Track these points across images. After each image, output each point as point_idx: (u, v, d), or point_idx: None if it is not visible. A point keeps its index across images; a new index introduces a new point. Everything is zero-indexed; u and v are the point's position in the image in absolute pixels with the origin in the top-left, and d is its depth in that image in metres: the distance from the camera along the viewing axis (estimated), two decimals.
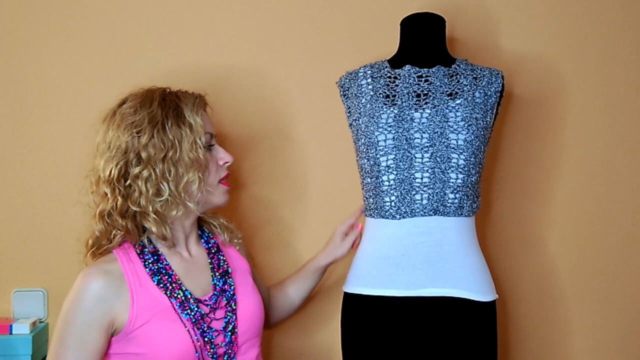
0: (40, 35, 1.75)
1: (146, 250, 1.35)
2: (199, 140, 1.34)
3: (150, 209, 1.31)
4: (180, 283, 1.34)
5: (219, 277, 1.40)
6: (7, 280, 1.74)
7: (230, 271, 1.43)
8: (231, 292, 1.40)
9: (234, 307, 1.38)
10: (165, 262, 1.35)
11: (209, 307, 1.35)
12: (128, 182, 1.31)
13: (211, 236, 1.48)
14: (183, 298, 1.32)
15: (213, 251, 1.45)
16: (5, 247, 1.75)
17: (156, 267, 1.33)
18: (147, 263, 1.33)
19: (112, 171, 1.30)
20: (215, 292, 1.38)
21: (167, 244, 1.36)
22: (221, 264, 1.43)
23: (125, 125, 1.31)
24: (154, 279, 1.31)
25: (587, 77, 1.82)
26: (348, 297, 1.52)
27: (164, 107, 1.33)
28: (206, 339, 1.31)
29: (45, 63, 1.75)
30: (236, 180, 1.75)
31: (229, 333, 1.35)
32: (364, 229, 1.57)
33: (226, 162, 1.42)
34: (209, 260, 1.43)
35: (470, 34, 1.80)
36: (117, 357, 1.29)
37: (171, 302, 1.30)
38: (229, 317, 1.37)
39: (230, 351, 1.35)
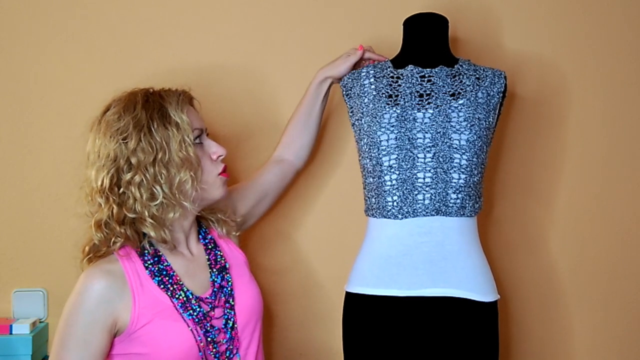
0: (40, 35, 1.74)
1: (146, 252, 1.33)
2: (187, 138, 1.32)
3: (147, 214, 1.30)
4: (182, 284, 1.33)
5: (216, 273, 1.40)
6: (7, 280, 1.74)
7: (227, 267, 1.43)
8: (229, 288, 1.39)
9: (232, 303, 1.38)
10: (166, 263, 1.34)
11: (210, 305, 1.35)
12: (121, 189, 1.29)
13: (207, 231, 1.47)
14: (185, 299, 1.31)
15: (210, 247, 1.44)
16: (5, 247, 1.74)
17: (156, 268, 1.32)
18: (147, 264, 1.32)
19: (104, 180, 1.28)
20: (215, 289, 1.37)
21: (169, 247, 1.35)
22: (218, 260, 1.43)
23: (111, 132, 1.29)
24: (154, 280, 1.31)
25: (589, 77, 1.83)
26: (350, 296, 1.51)
27: (147, 109, 1.31)
28: (209, 339, 1.31)
29: (45, 63, 1.75)
30: (236, 178, 1.75)
31: (229, 330, 1.35)
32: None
33: (220, 156, 1.39)
34: (207, 257, 1.42)
35: (473, 34, 1.80)
36: (120, 358, 1.29)
37: (173, 303, 1.30)
38: (227, 314, 1.36)
39: (232, 347, 1.35)
